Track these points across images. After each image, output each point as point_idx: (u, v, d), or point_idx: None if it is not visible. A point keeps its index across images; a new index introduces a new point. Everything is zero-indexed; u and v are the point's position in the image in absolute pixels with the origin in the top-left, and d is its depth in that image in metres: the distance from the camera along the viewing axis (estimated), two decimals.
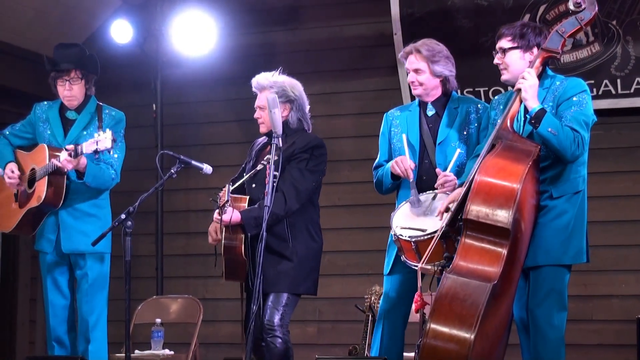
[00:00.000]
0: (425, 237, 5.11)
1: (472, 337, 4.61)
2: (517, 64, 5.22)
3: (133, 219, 5.57)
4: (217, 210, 5.65)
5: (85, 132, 6.18)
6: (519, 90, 5.06)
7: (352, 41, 8.28)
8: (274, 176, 5.49)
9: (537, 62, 5.13)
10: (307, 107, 5.91)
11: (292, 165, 5.73)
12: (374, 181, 5.71)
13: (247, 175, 5.79)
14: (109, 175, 6.16)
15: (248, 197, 5.77)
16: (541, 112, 4.98)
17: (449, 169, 5.35)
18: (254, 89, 5.93)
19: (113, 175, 6.19)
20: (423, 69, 5.52)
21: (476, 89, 7.71)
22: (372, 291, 6.81)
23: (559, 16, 7.52)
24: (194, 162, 5.81)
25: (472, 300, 4.65)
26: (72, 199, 6.17)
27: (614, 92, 7.45)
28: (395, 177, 5.52)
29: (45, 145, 6.17)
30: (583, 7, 5.13)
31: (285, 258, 5.70)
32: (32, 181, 6.17)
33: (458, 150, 5.39)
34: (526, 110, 5.08)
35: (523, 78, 5.06)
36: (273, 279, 5.66)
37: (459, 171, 5.41)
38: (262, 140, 5.98)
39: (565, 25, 5.16)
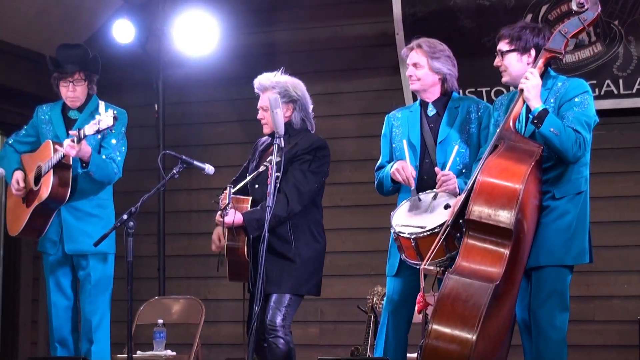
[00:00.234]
0: (425, 234, 5.12)
1: (474, 337, 4.61)
2: (515, 66, 5.23)
3: (135, 220, 5.57)
4: (218, 213, 5.64)
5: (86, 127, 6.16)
6: (522, 90, 5.07)
7: (354, 41, 8.28)
8: (277, 177, 5.49)
9: (540, 63, 5.13)
10: (310, 107, 5.91)
11: (295, 167, 5.72)
12: (376, 183, 5.71)
13: (250, 177, 5.78)
14: (111, 169, 6.16)
15: (251, 197, 5.76)
16: (544, 112, 4.98)
17: (447, 167, 5.36)
18: (256, 90, 5.92)
19: (115, 169, 6.20)
20: (422, 63, 5.54)
21: (478, 89, 7.70)
22: (374, 292, 6.80)
23: (561, 16, 7.52)
24: (195, 163, 5.80)
25: (474, 301, 4.65)
26: (76, 199, 6.17)
27: (616, 92, 7.45)
28: (395, 180, 5.52)
29: (50, 141, 6.18)
30: (586, 7, 5.13)
31: (288, 259, 5.69)
32: (38, 178, 6.17)
33: (456, 147, 5.39)
34: (528, 111, 5.08)
35: (526, 78, 5.06)
36: (276, 280, 5.66)
37: (459, 167, 5.41)
38: (266, 140, 5.98)
39: (568, 26, 5.16)
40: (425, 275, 5.02)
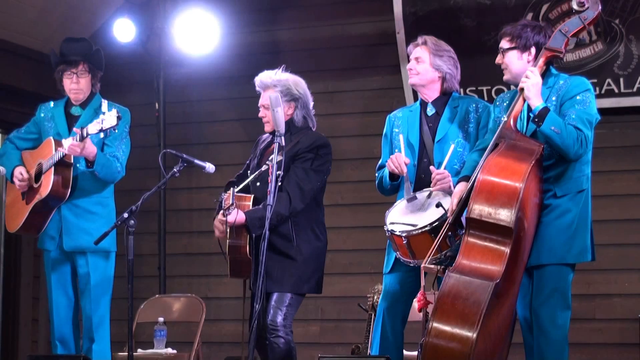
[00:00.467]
0: (416, 231, 5.15)
1: (474, 335, 4.61)
2: (515, 64, 5.23)
3: (136, 218, 5.57)
4: (220, 212, 5.64)
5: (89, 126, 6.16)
6: (522, 89, 5.07)
7: (355, 40, 8.28)
8: (279, 176, 5.49)
9: (541, 61, 5.13)
10: (312, 104, 5.91)
11: (297, 165, 5.72)
12: (376, 182, 5.72)
13: (252, 177, 5.78)
14: (115, 168, 6.17)
15: (252, 195, 5.76)
16: (544, 111, 4.98)
17: (443, 166, 5.37)
18: (257, 88, 5.92)
19: (119, 168, 6.20)
20: (424, 58, 5.55)
21: (479, 88, 7.71)
22: (374, 290, 6.81)
23: (562, 15, 7.52)
24: (196, 161, 5.80)
25: (475, 299, 4.65)
26: (76, 196, 6.18)
27: (616, 91, 7.45)
28: (393, 177, 5.53)
29: (51, 138, 6.19)
30: (587, 6, 5.13)
31: (290, 258, 5.69)
32: (38, 175, 6.18)
33: (452, 146, 5.39)
34: (530, 109, 5.08)
35: (526, 77, 5.06)
36: (277, 278, 5.66)
37: (457, 167, 5.41)
38: (267, 137, 5.97)
39: (568, 25, 5.16)
40: (425, 274, 5.03)
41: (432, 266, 4.96)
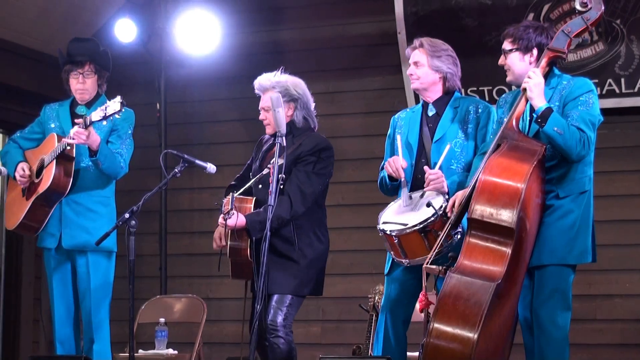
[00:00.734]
0: (407, 231, 5.17)
1: (476, 336, 4.61)
2: (518, 65, 5.23)
3: (137, 218, 5.57)
4: (221, 215, 5.64)
5: (93, 125, 6.15)
6: (525, 89, 5.07)
7: (356, 40, 8.28)
8: (281, 178, 5.49)
9: (543, 62, 5.12)
10: (312, 105, 5.90)
11: (299, 168, 5.71)
12: (378, 182, 5.72)
13: (253, 180, 5.77)
14: (118, 162, 6.16)
15: (254, 198, 5.76)
16: (547, 111, 4.98)
17: (437, 166, 5.37)
18: (256, 91, 5.91)
19: (122, 163, 6.19)
20: (422, 62, 5.54)
21: (480, 88, 7.71)
22: (376, 290, 6.81)
23: (563, 15, 7.52)
24: (197, 161, 5.80)
25: (476, 300, 4.65)
26: (77, 194, 6.17)
27: (617, 91, 7.45)
28: (392, 178, 5.54)
29: (54, 133, 6.19)
30: (589, 6, 5.12)
31: (292, 260, 5.69)
32: (40, 171, 6.18)
33: (448, 146, 5.39)
34: (532, 110, 5.08)
35: (529, 77, 5.06)
36: (278, 280, 5.65)
37: (453, 167, 5.41)
38: (269, 138, 5.95)
39: (571, 25, 5.15)
40: (427, 275, 5.03)
41: (434, 267, 4.95)
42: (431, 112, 5.59)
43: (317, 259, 5.77)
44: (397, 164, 5.43)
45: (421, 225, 5.16)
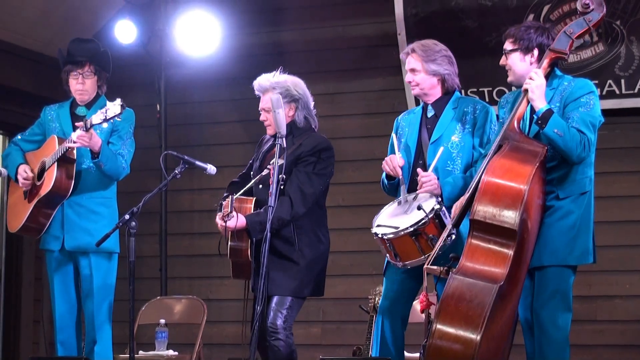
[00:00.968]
0: (397, 234, 5.20)
1: (478, 338, 4.61)
2: (519, 65, 5.23)
3: (137, 220, 5.57)
4: (221, 217, 5.63)
5: (94, 126, 6.15)
6: (526, 90, 5.07)
7: (356, 41, 8.29)
8: (282, 179, 5.49)
9: (545, 63, 5.13)
10: (312, 104, 5.90)
11: (299, 169, 5.71)
12: (381, 182, 5.72)
13: (253, 181, 5.77)
14: (120, 163, 6.16)
15: (254, 198, 5.76)
16: (548, 113, 4.98)
17: (431, 168, 5.37)
18: (256, 92, 5.91)
19: (124, 164, 6.20)
20: (418, 68, 5.53)
21: (480, 89, 7.71)
22: (376, 292, 6.80)
23: (563, 16, 7.53)
24: (198, 163, 5.80)
25: (479, 301, 4.65)
26: (79, 195, 6.17)
27: (617, 92, 7.46)
28: (390, 177, 5.54)
29: (55, 136, 6.19)
30: (591, 8, 5.13)
31: (292, 261, 5.69)
32: (41, 172, 6.17)
33: (441, 149, 5.39)
34: (533, 111, 5.08)
35: (530, 79, 5.06)
36: (278, 281, 5.65)
37: (449, 168, 5.41)
38: (270, 138, 5.95)
39: (573, 26, 5.16)
40: (427, 274, 5.04)
41: (435, 267, 4.95)
42: (430, 113, 5.60)
43: (317, 259, 5.76)
44: (393, 162, 5.45)
45: (412, 229, 5.19)
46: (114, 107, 5.83)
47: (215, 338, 8.24)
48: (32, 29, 8.31)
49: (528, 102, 5.08)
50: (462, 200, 5.09)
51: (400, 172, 5.43)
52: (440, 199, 5.28)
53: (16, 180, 6.29)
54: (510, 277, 4.76)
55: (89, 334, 6.20)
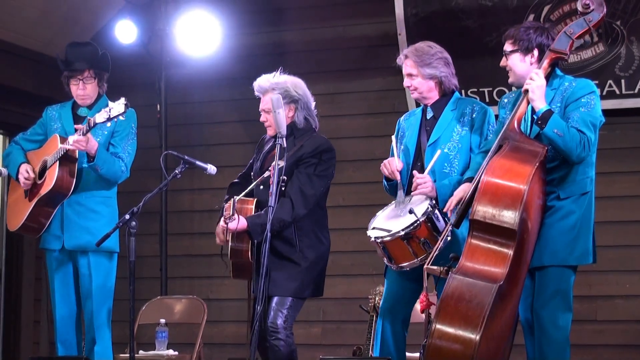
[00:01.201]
0: (389, 237, 5.22)
1: (478, 337, 4.61)
2: (519, 66, 5.23)
3: (137, 220, 5.57)
4: (222, 219, 5.63)
5: (95, 128, 6.15)
6: (527, 91, 5.07)
7: (356, 41, 8.29)
8: (283, 180, 5.49)
9: (545, 63, 5.13)
10: (313, 104, 5.89)
11: (300, 170, 5.70)
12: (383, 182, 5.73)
13: (254, 183, 5.76)
14: (119, 166, 6.16)
15: (255, 199, 5.76)
16: (548, 113, 4.98)
17: (427, 170, 5.37)
18: (256, 93, 5.90)
19: (123, 168, 6.19)
20: (414, 73, 5.54)
21: (480, 90, 7.70)
22: (376, 291, 6.81)
23: (563, 16, 7.52)
24: (198, 163, 5.80)
25: (478, 301, 4.65)
26: (80, 194, 6.17)
27: (618, 92, 7.45)
28: (389, 178, 5.54)
29: (57, 135, 6.19)
30: (592, 8, 5.13)
31: (292, 262, 5.68)
32: (42, 172, 6.18)
33: (439, 152, 5.39)
34: (534, 111, 5.08)
35: (531, 79, 5.06)
36: (279, 282, 5.65)
37: (446, 170, 5.42)
38: (270, 138, 5.94)
39: (573, 27, 5.16)
40: (428, 275, 5.04)
41: (435, 267, 4.96)
42: (429, 115, 5.60)
43: (318, 260, 5.76)
44: (392, 166, 5.46)
45: (403, 232, 5.20)
46: (117, 106, 5.83)
47: (215, 338, 8.24)
48: (32, 29, 8.31)
49: (528, 102, 5.08)
50: (460, 192, 5.09)
51: (398, 176, 5.43)
52: (434, 201, 5.29)
53: (17, 179, 6.28)
54: (510, 277, 4.76)
55: (88, 333, 6.20)
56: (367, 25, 8.25)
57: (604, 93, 7.40)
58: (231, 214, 5.55)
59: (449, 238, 5.08)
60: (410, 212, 5.18)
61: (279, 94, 5.67)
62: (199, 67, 8.48)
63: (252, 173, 5.92)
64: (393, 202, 5.47)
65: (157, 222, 8.41)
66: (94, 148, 6.00)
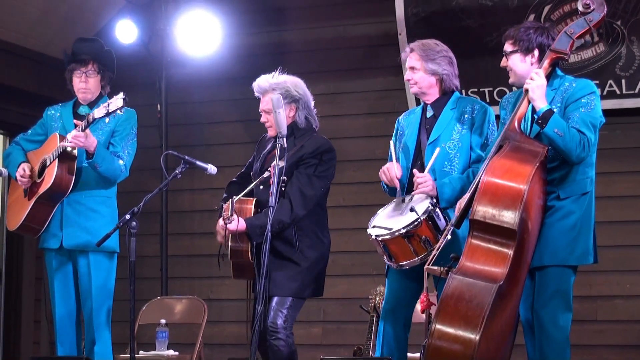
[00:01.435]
0: (390, 235, 5.21)
1: (478, 337, 4.61)
2: (519, 66, 5.23)
3: (137, 220, 5.57)
4: (220, 220, 5.63)
5: (95, 127, 6.15)
6: (527, 90, 5.07)
7: (357, 41, 8.29)
8: (283, 181, 5.49)
9: (546, 63, 5.13)
10: (313, 104, 5.89)
11: (300, 171, 5.70)
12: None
13: (254, 183, 5.76)
14: (118, 165, 6.15)
15: (255, 199, 5.75)
16: (548, 113, 4.98)
17: (427, 169, 5.37)
18: (256, 93, 5.90)
19: (122, 167, 6.18)
20: (417, 67, 5.54)
21: (481, 89, 7.71)
22: (376, 292, 6.81)
23: (564, 16, 7.53)
24: (198, 163, 5.80)
25: (478, 301, 4.65)
26: (79, 193, 6.16)
27: (618, 92, 7.45)
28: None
29: (57, 133, 6.19)
30: (592, 8, 5.13)
31: (293, 262, 5.68)
32: (42, 170, 6.18)
33: (437, 150, 5.39)
34: (534, 111, 5.08)
35: (531, 79, 5.06)
36: (279, 282, 5.65)
37: (446, 169, 5.41)
38: (270, 137, 5.93)
39: (573, 27, 5.16)
40: (428, 275, 5.04)
41: (435, 267, 4.95)
42: (429, 113, 5.60)
43: (318, 260, 5.76)
44: (391, 173, 5.46)
45: (404, 230, 5.20)
46: (116, 100, 5.83)
47: (215, 338, 8.24)
48: (32, 29, 8.31)
49: (529, 102, 5.08)
50: (465, 198, 5.09)
51: (397, 183, 5.43)
52: (435, 200, 5.29)
53: (16, 178, 6.28)
54: (510, 277, 4.76)
55: (88, 333, 6.20)
56: (367, 25, 8.25)
57: (605, 93, 7.40)
58: (230, 214, 5.54)
59: (448, 237, 5.07)
60: (412, 210, 5.18)
61: (279, 94, 5.67)
62: (199, 67, 8.48)
63: (251, 172, 5.91)
64: (393, 200, 5.47)
65: (157, 222, 8.42)
66: (93, 145, 6.00)
